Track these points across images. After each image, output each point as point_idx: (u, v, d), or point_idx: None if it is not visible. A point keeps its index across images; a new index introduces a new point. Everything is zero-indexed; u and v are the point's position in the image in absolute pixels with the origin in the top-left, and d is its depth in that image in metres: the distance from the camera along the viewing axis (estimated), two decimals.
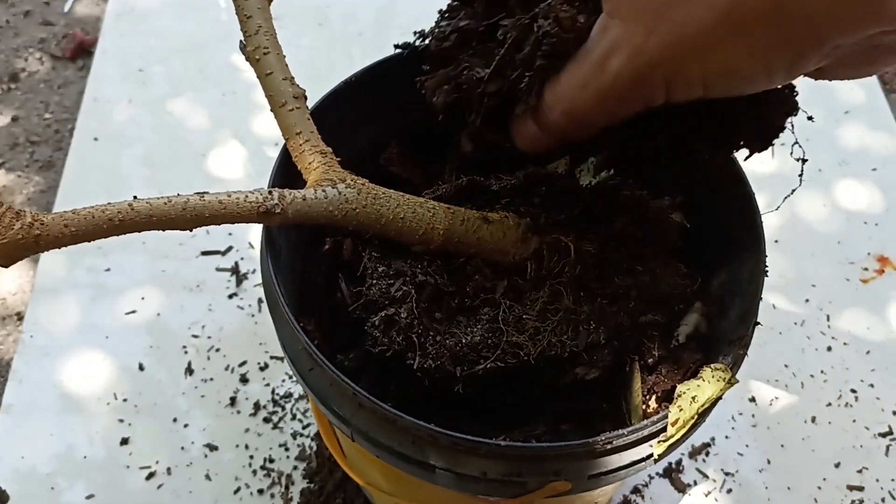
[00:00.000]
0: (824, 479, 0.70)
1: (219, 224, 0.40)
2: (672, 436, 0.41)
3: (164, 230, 0.40)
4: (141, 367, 0.75)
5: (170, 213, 0.38)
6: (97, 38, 1.03)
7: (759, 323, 0.45)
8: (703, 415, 0.42)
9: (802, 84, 0.98)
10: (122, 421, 0.72)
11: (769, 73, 0.33)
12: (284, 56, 0.46)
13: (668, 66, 0.34)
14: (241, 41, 0.45)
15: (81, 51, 1.04)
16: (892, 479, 0.70)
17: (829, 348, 0.78)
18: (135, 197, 0.39)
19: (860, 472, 0.71)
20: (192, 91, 0.96)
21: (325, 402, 0.42)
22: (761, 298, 0.45)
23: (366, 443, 0.42)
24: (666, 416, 0.40)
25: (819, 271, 0.83)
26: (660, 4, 0.33)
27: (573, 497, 0.43)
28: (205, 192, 0.40)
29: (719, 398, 0.42)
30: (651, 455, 0.41)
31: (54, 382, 0.74)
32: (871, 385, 0.76)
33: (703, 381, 0.42)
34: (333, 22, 1.05)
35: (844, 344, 0.78)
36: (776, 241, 0.85)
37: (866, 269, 0.84)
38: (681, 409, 0.41)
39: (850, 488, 0.70)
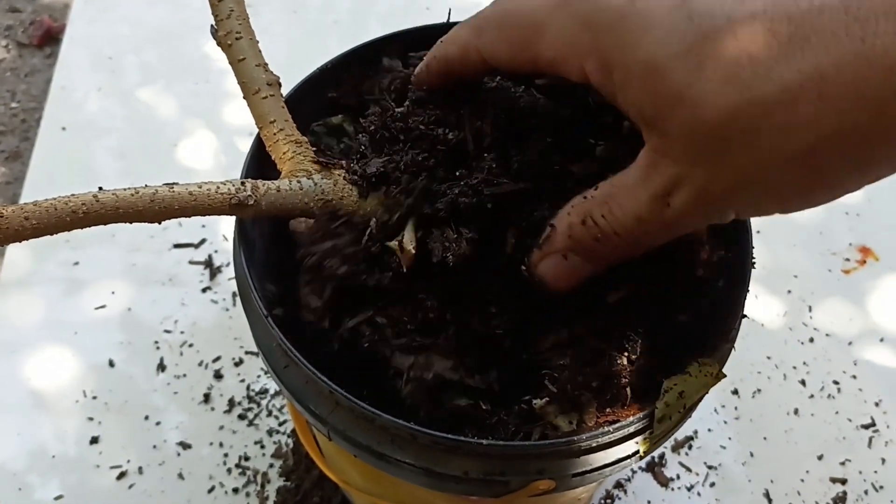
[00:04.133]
0: (807, 472, 0.70)
1: (189, 216, 0.39)
2: (658, 432, 0.40)
3: (131, 223, 0.39)
4: (111, 364, 0.73)
5: (137, 205, 0.37)
6: (65, 26, 1.00)
7: (745, 315, 0.44)
8: (689, 410, 0.41)
9: None
10: (91, 419, 0.70)
11: (845, 190, 0.31)
12: (258, 42, 0.44)
13: (739, 201, 0.32)
14: (212, 25, 0.44)
15: (49, 38, 1.01)
16: (875, 471, 0.70)
17: (812, 339, 0.77)
18: (100, 188, 0.38)
19: (843, 464, 0.70)
20: (163, 80, 0.94)
21: (301, 400, 0.41)
22: (748, 291, 0.44)
23: (343, 442, 0.40)
24: (652, 413, 0.39)
25: (800, 262, 0.83)
26: (715, 152, 0.29)
27: (557, 495, 0.42)
28: (174, 184, 0.38)
29: (706, 393, 0.41)
30: (637, 452, 0.40)
31: (21, 379, 0.72)
32: (854, 377, 0.75)
33: (690, 375, 0.41)
34: (309, 10, 1.03)
35: (826, 335, 0.78)
36: (758, 232, 0.84)
37: (848, 259, 0.83)
38: (667, 405, 0.40)
39: (833, 480, 0.69)
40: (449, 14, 0.54)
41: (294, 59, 0.94)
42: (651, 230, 0.34)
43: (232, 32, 0.43)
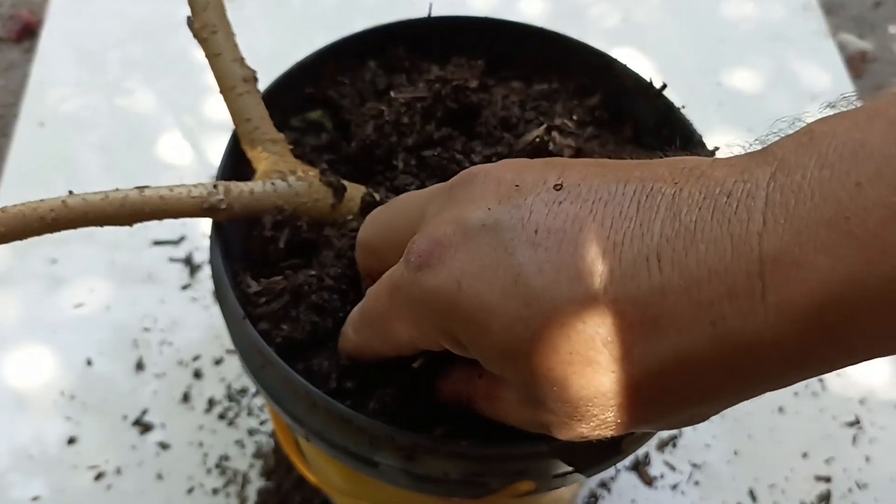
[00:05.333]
0: (791, 470, 0.70)
1: (161, 219, 0.38)
2: (640, 432, 0.40)
3: (102, 226, 0.38)
4: (89, 363, 0.72)
5: (106, 210, 0.36)
6: (44, 20, 0.99)
7: None
8: None
9: (768, 68, 0.97)
10: (69, 419, 0.69)
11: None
12: (235, 35, 0.44)
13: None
14: (188, 17, 0.43)
15: (27, 32, 1.00)
16: (859, 469, 0.70)
17: None
18: (70, 192, 0.37)
19: (828, 462, 0.70)
20: (144, 74, 0.93)
21: (279, 401, 0.40)
22: None
23: (321, 443, 0.40)
24: None
25: None
26: (581, 416, 0.29)
27: (538, 496, 0.42)
28: (146, 187, 0.38)
29: None
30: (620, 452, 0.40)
31: None
32: (838, 374, 0.75)
33: None
34: (294, 3, 1.02)
35: None
36: None
37: None
38: None
39: (818, 478, 0.69)
40: (430, 8, 0.53)
41: (278, 52, 0.93)
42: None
43: (208, 26, 0.42)
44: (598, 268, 0.26)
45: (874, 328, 0.23)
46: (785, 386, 0.27)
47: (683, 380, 0.26)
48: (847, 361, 0.25)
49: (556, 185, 0.28)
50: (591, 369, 0.27)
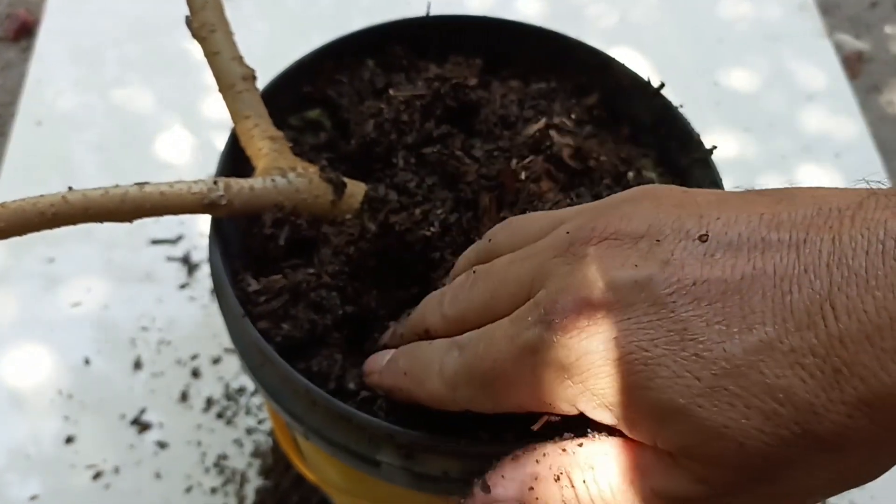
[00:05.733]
0: None
1: (161, 216, 0.38)
2: None
3: (102, 223, 0.38)
4: (87, 362, 0.72)
5: (107, 205, 0.36)
6: (41, 19, 0.99)
7: None
8: None
9: (765, 68, 0.97)
10: (67, 418, 0.69)
11: None
12: (233, 34, 0.43)
13: None
14: (187, 16, 0.43)
15: (24, 31, 1.00)
16: None
17: None
18: (70, 188, 0.37)
19: None
20: (142, 73, 0.93)
21: (278, 399, 0.40)
22: None
23: (320, 441, 0.40)
24: None
25: None
26: (757, 480, 0.27)
27: None
28: (146, 183, 0.38)
29: None
30: None
31: None
32: None
33: None
34: (290, 3, 1.02)
35: None
36: None
37: None
38: None
39: None
40: (428, 7, 0.53)
41: (276, 51, 0.92)
42: None
43: (206, 24, 0.42)
44: (769, 317, 0.26)
45: None
46: None
47: (871, 430, 0.25)
48: None
49: (701, 237, 0.28)
50: (772, 423, 0.25)
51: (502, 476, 0.32)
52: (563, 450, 0.31)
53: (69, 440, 0.68)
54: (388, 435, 0.37)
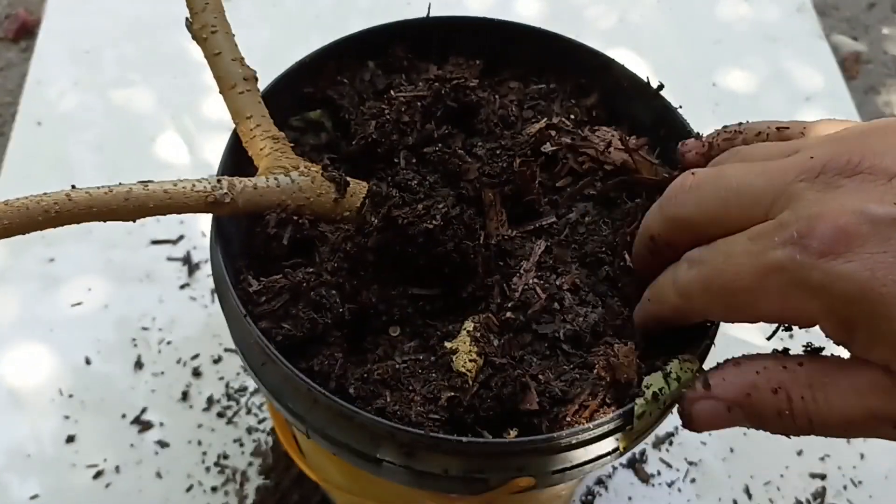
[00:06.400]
0: (787, 468, 0.70)
1: (164, 214, 0.38)
2: (638, 429, 0.40)
3: (105, 221, 0.38)
4: (88, 362, 0.72)
5: (111, 203, 0.36)
6: (41, 19, 0.99)
7: None
8: (669, 407, 0.41)
9: (762, 69, 0.98)
10: (67, 417, 0.69)
11: None
12: (234, 35, 0.44)
13: None
14: (187, 18, 0.43)
15: (24, 32, 1.00)
16: (854, 467, 0.70)
17: (791, 336, 0.77)
18: (73, 186, 0.37)
19: (822, 459, 0.71)
20: (141, 73, 0.93)
21: (279, 398, 0.41)
22: None
23: (322, 440, 0.40)
24: (632, 410, 0.39)
25: None
26: None
27: (537, 492, 0.42)
28: (149, 181, 0.38)
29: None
30: (617, 449, 0.40)
31: None
32: None
33: (671, 372, 0.41)
34: (289, 4, 1.02)
35: (806, 331, 0.78)
36: None
37: None
38: (647, 402, 0.40)
39: (813, 476, 0.70)
40: (429, 10, 0.54)
41: (274, 53, 0.93)
42: (850, 434, 0.33)
43: (207, 26, 0.42)
44: None
45: None
46: None
47: None
48: None
49: None
50: None
51: (723, 378, 0.36)
52: (784, 367, 0.34)
53: (70, 440, 0.68)
54: (389, 433, 0.37)
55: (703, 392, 0.36)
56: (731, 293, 0.34)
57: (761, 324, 0.35)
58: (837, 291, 0.30)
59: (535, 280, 0.43)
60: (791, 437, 0.35)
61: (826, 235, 0.30)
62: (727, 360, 0.37)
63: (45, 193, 0.36)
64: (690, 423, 0.37)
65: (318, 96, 0.51)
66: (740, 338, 0.77)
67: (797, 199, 0.32)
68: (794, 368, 0.34)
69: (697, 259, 0.36)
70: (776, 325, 0.37)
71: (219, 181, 0.39)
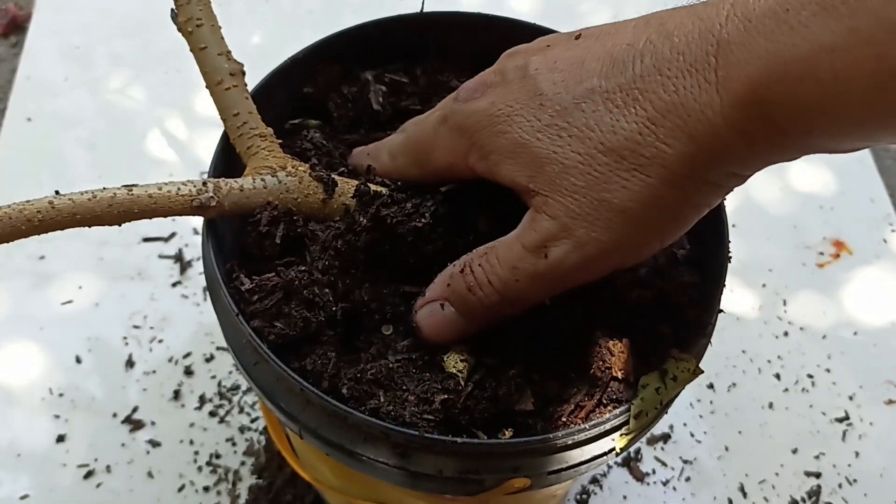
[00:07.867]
0: (782, 466, 0.70)
1: (150, 218, 0.38)
2: (634, 428, 0.39)
3: (90, 227, 0.37)
4: (78, 360, 0.71)
5: (95, 210, 0.36)
6: (31, 14, 0.98)
7: (721, 310, 0.44)
8: (666, 406, 0.41)
9: None
10: (58, 417, 0.68)
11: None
12: (220, 28, 0.43)
13: (620, 256, 0.36)
14: (172, 9, 0.42)
15: (14, 27, 0.99)
16: (849, 465, 0.70)
17: (786, 333, 0.77)
18: (57, 192, 0.36)
19: (817, 457, 0.71)
20: (133, 69, 0.92)
21: (272, 397, 0.40)
22: (725, 286, 0.44)
23: (315, 440, 0.40)
24: (628, 409, 0.39)
25: (775, 256, 0.83)
26: (584, 205, 0.35)
27: (532, 492, 0.42)
28: (133, 185, 0.37)
29: (682, 389, 0.41)
30: (613, 448, 0.40)
31: None
32: (828, 370, 0.75)
33: (667, 371, 0.40)
34: (281, 1, 1.01)
35: (801, 329, 0.78)
36: (733, 226, 0.83)
37: (822, 253, 0.83)
38: (644, 401, 0.39)
39: (808, 474, 0.70)
40: (422, 5, 0.53)
41: (266, 49, 0.92)
42: (525, 280, 0.37)
43: (193, 19, 0.42)
44: (595, 71, 0.35)
45: (797, 109, 0.30)
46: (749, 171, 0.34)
47: (652, 137, 0.33)
48: (790, 149, 0.32)
49: (576, 36, 0.38)
50: (584, 145, 0.35)
51: (433, 283, 0.40)
52: (470, 253, 0.39)
53: (60, 439, 0.67)
54: (383, 434, 0.37)
55: (421, 300, 0.40)
56: (419, 148, 0.42)
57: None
58: (471, 123, 0.38)
59: None
60: (500, 316, 0.39)
61: (470, 87, 0.39)
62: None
63: (27, 201, 0.35)
64: (420, 333, 0.40)
65: (309, 95, 0.51)
66: (738, 336, 0.77)
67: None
68: (475, 250, 0.39)
69: (403, 128, 0.45)
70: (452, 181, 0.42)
71: (204, 184, 0.38)
